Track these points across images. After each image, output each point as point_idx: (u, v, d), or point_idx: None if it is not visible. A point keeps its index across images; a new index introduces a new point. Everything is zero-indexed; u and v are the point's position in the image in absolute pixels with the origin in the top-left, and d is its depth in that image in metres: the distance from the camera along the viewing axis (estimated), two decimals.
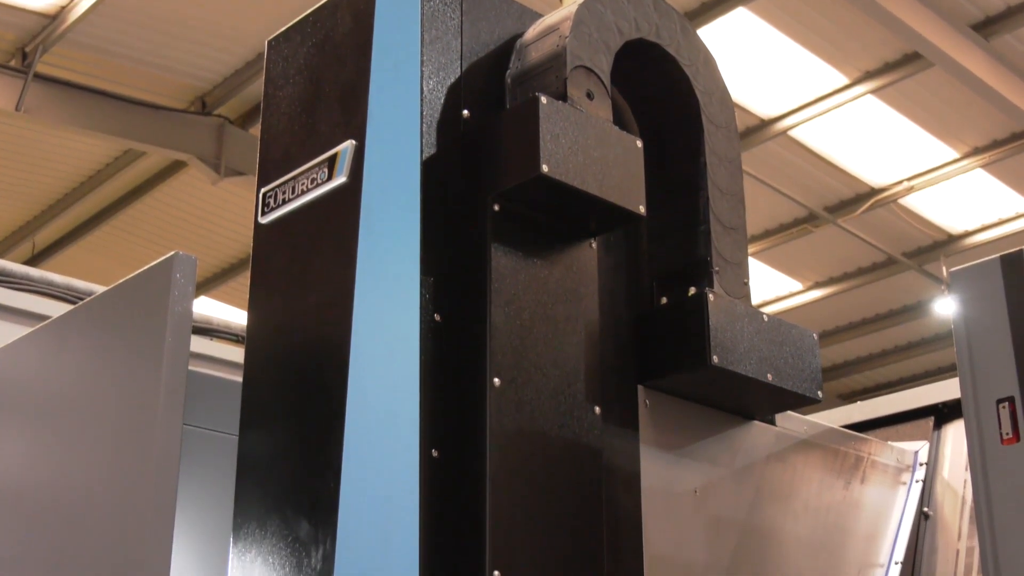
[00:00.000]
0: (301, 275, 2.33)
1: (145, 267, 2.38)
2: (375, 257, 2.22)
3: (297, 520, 2.15)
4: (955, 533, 3.01)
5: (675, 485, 2.54)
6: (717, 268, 2.61)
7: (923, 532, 3.05)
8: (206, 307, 10.68)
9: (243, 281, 10.39)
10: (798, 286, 11.66)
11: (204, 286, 11.31)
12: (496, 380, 2.26)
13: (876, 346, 12.92)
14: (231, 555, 2.29)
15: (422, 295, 2.27)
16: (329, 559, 2.08)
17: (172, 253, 2.30)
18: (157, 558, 2.33)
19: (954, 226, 10.58)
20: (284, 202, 2.39)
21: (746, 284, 2.68)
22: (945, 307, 11.18)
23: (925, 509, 3.08)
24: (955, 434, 3.16)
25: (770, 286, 11.51)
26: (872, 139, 9.33)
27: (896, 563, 2.96)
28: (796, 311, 11.56)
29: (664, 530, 2.48)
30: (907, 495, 3.09)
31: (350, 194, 2.27)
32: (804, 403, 2.67)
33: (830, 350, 12.50)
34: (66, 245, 11.04)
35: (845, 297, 11.67)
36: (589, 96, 2.48)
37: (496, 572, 2.17)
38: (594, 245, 2.50)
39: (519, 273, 2.35)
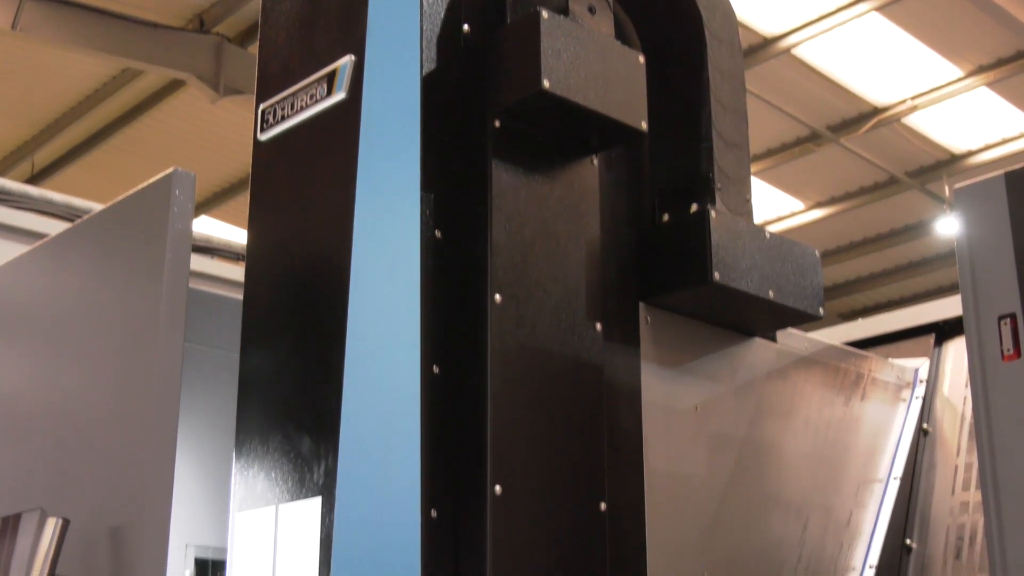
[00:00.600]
0: (301, 192, 2.32)
1: (144, 184, 2.37)
2: (375, 173, 2.21)
3: (299, 436, 2.16)
4: (954, 449, 3.03)
5: (676, 401, 2.55)
6: (719, 185, 2.60)
7: (922, 448, 3.06)
8: (207, 227, 10.67)
9: (243, 201, 10.31)
10: (800, 205, 11.62)
11: (204, 206, 11.28)
12: (497, 296, 2.26)
13: (877, 265, 12.91)
14: (233, 471, 2.30)
15: (422, 211, 2.26)
16: (331, 474, 2.09)
17: (171, 170, 2.29)
18: (160, 474, 2.34)
19: (957, 145, 10.51)
20: (283, 118, 2.37)
21: (748, 201, 2.66)
22: (947, 227, 11.16)
23: (924, 425, 3.09)
24: (955, 351, 3.17)
25: (772, 205, 11.47)
26: (875, 57, 9.23)
27: (895, 478, 2.98)
28: (798, 230, 11.53)
29: (664, 446, 2.49)
30: (907, 411, 3.10)
31: (350, 110, 2.25)
32: (805, 320, 2.67)
33: (831, 269, 12.49)
34: (65, 165, 10.98)
35: (847, 216, 11.63)
36: (591, 11, 2.44)
37: (497, 487, 2.18)
38: (595, 162, 2.48)
39: (520, 190, 2.34)
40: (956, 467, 2.99)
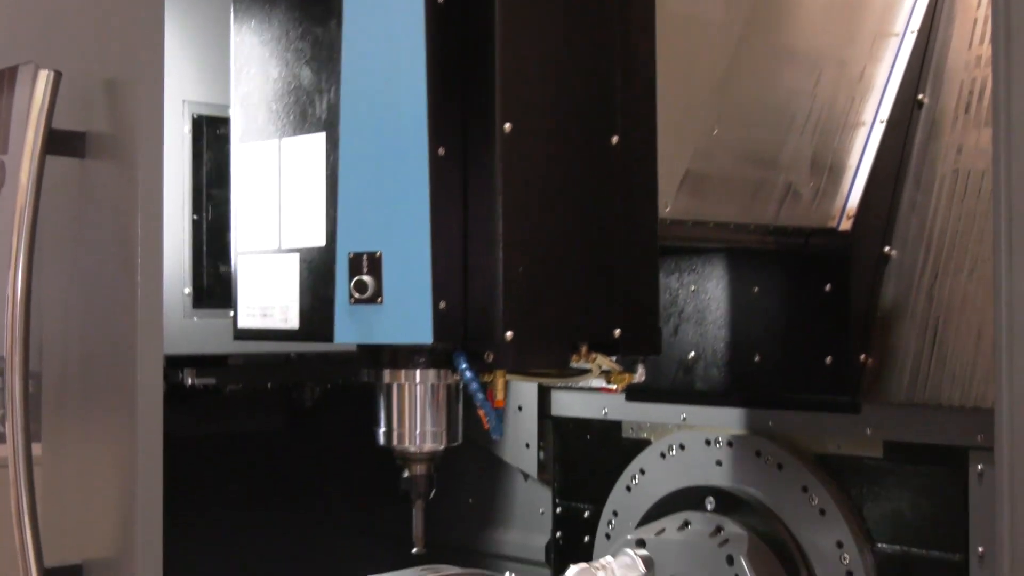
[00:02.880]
0: None
1: None
2: None
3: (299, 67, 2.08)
4: (974, 2, 2.92)
5: None
6: None
7: (941, 1, 2.95)
8: None
9: None
10: None
11: None
12: None
13: None
14: (233, 101, 2.26)
15: None
16: (334, 109, 2.08)
17: None
18: (151, 30, 2.26)
19: None
20: None
21: None
22: None
23: None
24: None
25: None
26: None
27: (912, 32, 2.89)
28: None
29: None
30: None
31: None
32: None
33: None
34: None
35: None
36: None
37: (507, 124, 2.08)
38: None
39: None
40: (975, 20, 2.89)
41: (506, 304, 2.15)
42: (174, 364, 2.88)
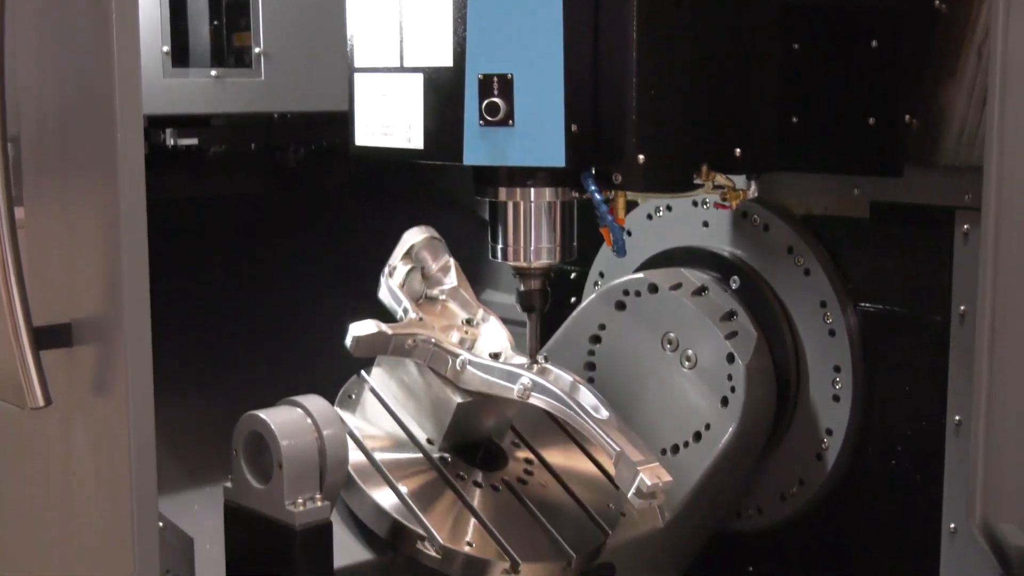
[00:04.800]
0: None
1: None
2: None
3: None
4: None
5: None
6: None
7: None
8: None
9: None
10: None
11: None
12: None
13: None
14: None
15: None
16: None
17: None
18: None
19: None
20: None
21: None
22: None
23: None
24: None
25: None
26: None
27: None
28: None
29: None
30: None
31: None
32: None
33: None
34: None
35: None
36: None
37: None
38: None
39: None
40: None
41: (638, 127, 2.22)
42: (155, 125, 2.84)
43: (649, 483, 2.20)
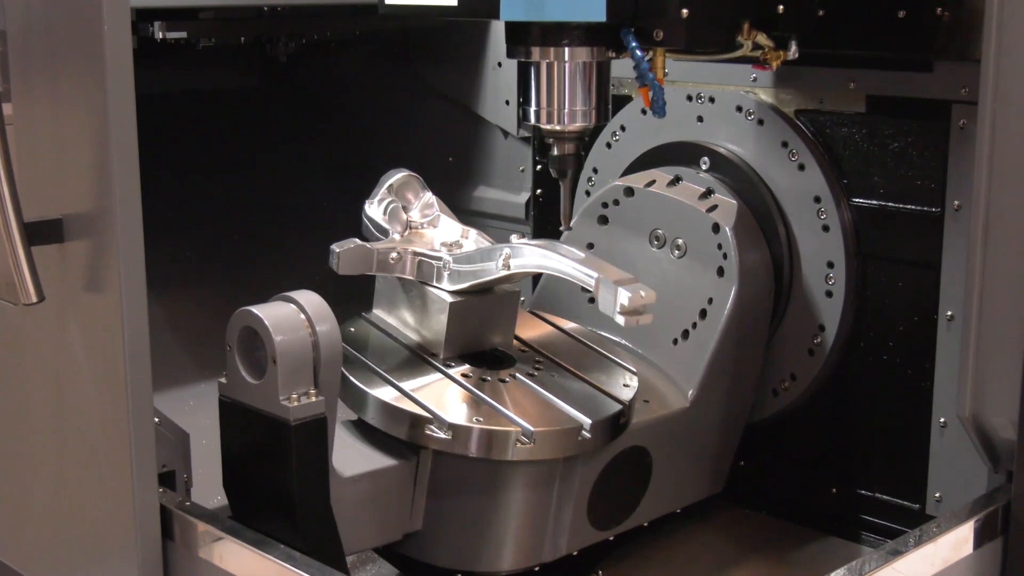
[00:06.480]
0: None
1: None
2: None
3: None
4: None
5: None
6: None
7: None
8: None
9: None
10: None
11: None
12: None
13: None
14: None
15: None
16: None
17: None
18: None
19: None
20: None
21: None
22: None
23: None
24: None
25: None
26: None
27: None
28: None
29: None
30: None
31: None
32: None
33: None
34: None
35: None
36: None
37: None
38: None
39: None
40: None
41: None
42: (143, 18, 2.79)
43: (630, 295, 2.14)
